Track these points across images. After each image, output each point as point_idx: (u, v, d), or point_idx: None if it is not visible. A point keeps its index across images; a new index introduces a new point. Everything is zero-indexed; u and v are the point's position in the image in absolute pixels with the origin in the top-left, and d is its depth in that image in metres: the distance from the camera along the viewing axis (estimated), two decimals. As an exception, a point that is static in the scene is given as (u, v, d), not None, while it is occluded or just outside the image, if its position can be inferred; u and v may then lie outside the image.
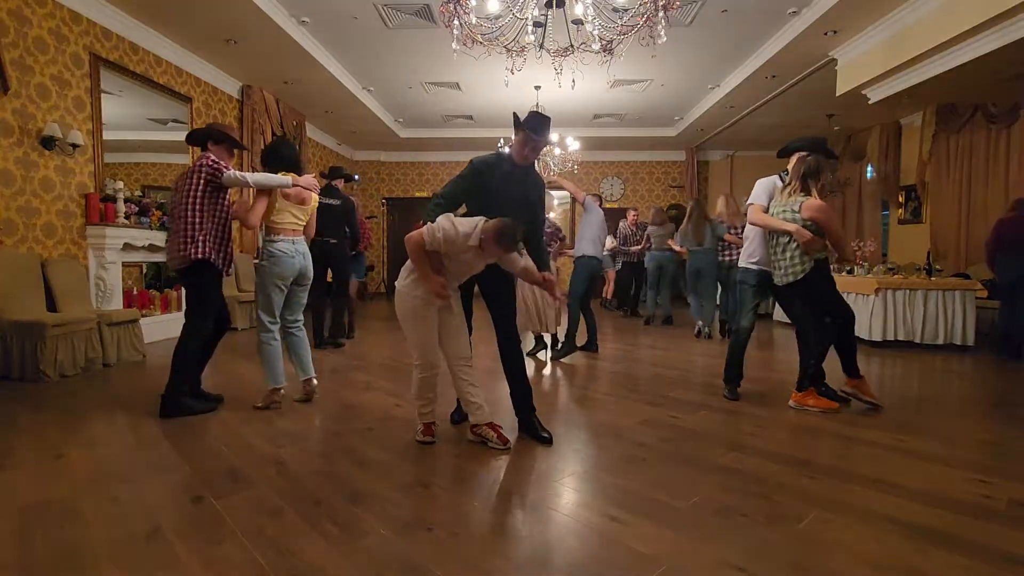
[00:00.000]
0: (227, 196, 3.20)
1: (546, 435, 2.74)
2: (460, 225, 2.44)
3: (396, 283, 2.65)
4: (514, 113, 2.80)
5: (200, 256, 3.00)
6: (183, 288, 3.21)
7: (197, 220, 3.02)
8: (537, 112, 2.76)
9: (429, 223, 2.49)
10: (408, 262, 2.59)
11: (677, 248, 6.82)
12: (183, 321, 3.18)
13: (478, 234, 2.42)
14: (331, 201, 5.14)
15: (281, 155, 3.39)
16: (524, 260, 2.70)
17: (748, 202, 3.46)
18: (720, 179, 11.64)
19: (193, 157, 6.39)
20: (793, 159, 3.42)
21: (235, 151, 3.32)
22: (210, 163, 3.04)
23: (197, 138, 3.26)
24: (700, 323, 6.24)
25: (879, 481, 2.27)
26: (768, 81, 7.10)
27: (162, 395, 3.09)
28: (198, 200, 3.02)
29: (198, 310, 3.16)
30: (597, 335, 5.30)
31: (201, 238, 3.02)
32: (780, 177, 3.50)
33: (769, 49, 6.25)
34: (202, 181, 3.02)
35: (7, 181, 4.28)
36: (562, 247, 5.84)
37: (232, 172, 3.06)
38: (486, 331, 2.83)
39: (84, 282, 4.80)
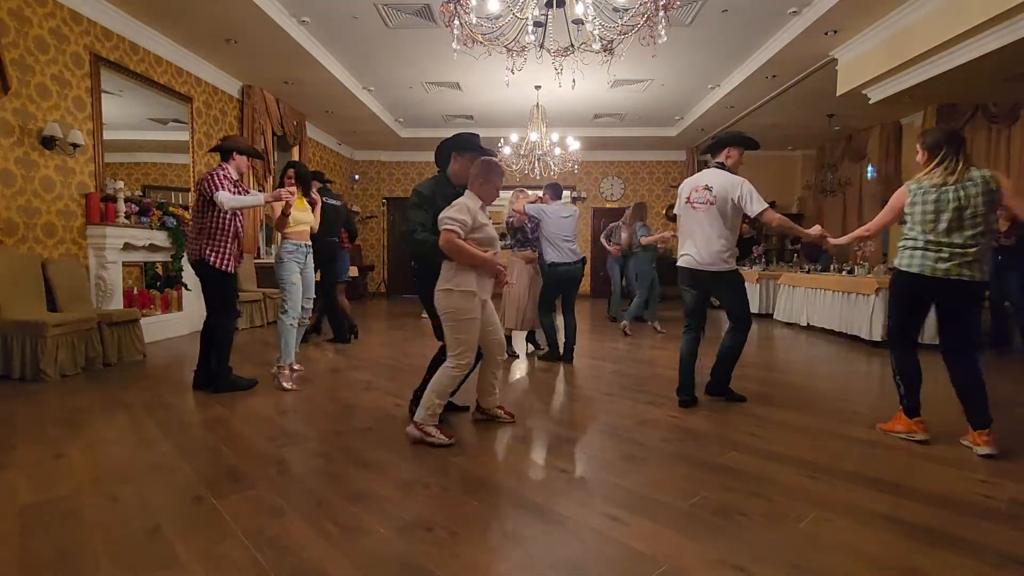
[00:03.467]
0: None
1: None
2: (458, 205, 2.62)
3: (441, 286, 2.64)
4: (451, 140, 2.96)
5: (197, 257, 3.49)
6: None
7: (198, 226, 3.51)
8: (461, 133, 2.96)
9: (447, 228, 2.55)
10: (446, 265, 2.64)
11: (610, 248, 7.33)
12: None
13: (471, 196, 2.67)
14: (334, 201, 5.48)
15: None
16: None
17: (762, 208, 3.25)
18: (720, 179, 11.63)
19: (192, 158, 6.42)
20: (722, 155, 3.37)
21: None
22: (208, 179, 3.43)
23: (222, 149, 3.66)
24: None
25: (879, 481, 2.27)
26: (768, 81, 7.10)
27: (214, 375, 3.63)
28: (197, 209, 3.52)
29: (212, 303, 3.66)
30: (557, 342, 4.85)
31: (202, 242, 3.49)
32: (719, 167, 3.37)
33: (769, 49, 6.25)
34: (199, 194, 3.50)
35: (7, 181, 4.28)
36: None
37: (219, 194, 3.37)
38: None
39: (84, 282, 4.80)
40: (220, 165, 3.57)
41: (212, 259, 3.48)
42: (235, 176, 3.59)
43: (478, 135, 2.96)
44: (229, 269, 3.57)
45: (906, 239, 2.80)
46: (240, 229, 3.64)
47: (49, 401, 3.42)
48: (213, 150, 3.78)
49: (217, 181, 3.40)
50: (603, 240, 7.75)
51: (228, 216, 3.52)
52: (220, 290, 3.61)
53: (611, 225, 7.72)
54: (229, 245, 3.56)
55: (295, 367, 4.05)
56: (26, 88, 4.40)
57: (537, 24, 3.90)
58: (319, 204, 4.33)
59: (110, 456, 2.51)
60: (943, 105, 7.20)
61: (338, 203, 5.60)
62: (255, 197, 3.56)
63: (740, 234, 6.97)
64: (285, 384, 3.73)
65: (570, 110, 8.93)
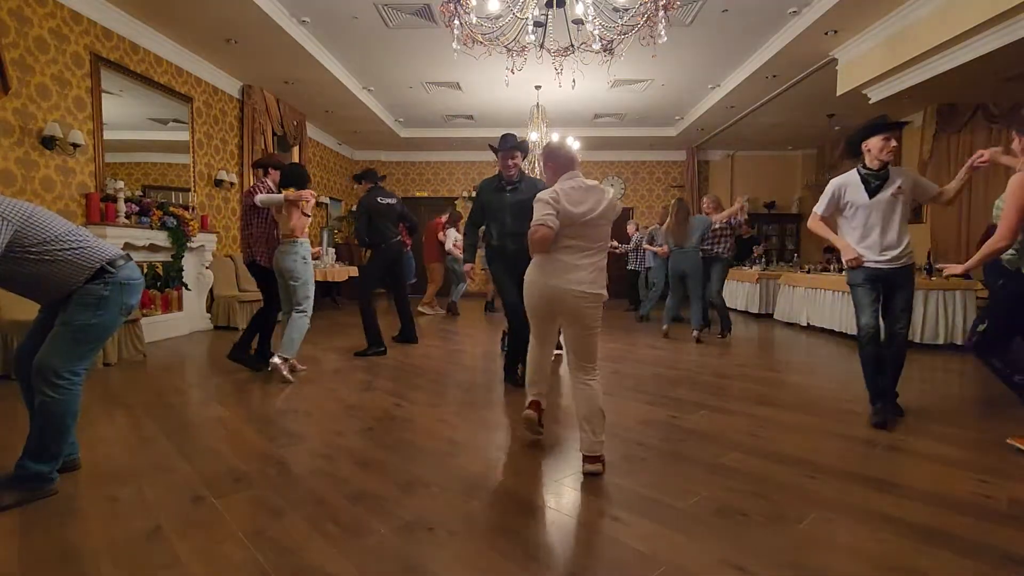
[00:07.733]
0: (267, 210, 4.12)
1: None
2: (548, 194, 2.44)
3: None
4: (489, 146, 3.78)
5: (248, 259, 4.19)
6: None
7: (246, 231, 4.19)
8: (506, 134, 3.68)
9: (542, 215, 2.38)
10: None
11: (656, 249, 6.98)
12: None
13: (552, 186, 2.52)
14: (390, 200, 5.52)
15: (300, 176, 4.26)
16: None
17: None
18: (720, 179, 11.63)
19: (192, 158, 6.43)
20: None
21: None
22: (249, 191, 4.14)
23: (261, 165, 4.35)
24: (667, 325, 6.23)
25: (879, 481, 2.27)
26: (768, 81, 7.10)
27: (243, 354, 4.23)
28: (245, 216, 4.20)
29: (264, 295, 4.28)
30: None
31: (249, 246, 4.18)
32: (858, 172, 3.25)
33: (769, 49, 6.24)
34: (245, 205, 4.17)
35: (7, 181, 4.28)
36: None
37: (259, 196, 4.01)
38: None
39: (84, 282, 4.79)
40: (260, 179, 4.25)
41: (260, 259, 4.12)
42: (272, 188, 4.17)
43: (508, 135, 3.72)
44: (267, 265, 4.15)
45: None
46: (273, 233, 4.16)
47: (49, 401, 3.41)
48: (255, 165, 4.54)
49: (256, 188, 4.09)
50: (646, 244, 7.73)
51: (271, 222, 4.11)
52: (270, 284, 4.19)
53: (651, 228, 7.81)
54: (266, 246, 4.15)
55: (299, 366, 4.22)
56: (26, 88, 4.40)
57: (537, 24, 3.90)
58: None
59: (110, 456, 2.51)
60: (943, 105, 7.20)
61: (392, 201, 5.46)
62: (278, 197, 4.02)
63: (740, 234, 6.95)
64: (287, 375, 3.90)
65: (570, 110, 8.93)
